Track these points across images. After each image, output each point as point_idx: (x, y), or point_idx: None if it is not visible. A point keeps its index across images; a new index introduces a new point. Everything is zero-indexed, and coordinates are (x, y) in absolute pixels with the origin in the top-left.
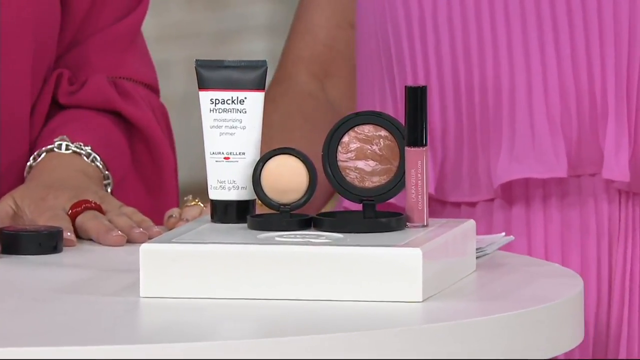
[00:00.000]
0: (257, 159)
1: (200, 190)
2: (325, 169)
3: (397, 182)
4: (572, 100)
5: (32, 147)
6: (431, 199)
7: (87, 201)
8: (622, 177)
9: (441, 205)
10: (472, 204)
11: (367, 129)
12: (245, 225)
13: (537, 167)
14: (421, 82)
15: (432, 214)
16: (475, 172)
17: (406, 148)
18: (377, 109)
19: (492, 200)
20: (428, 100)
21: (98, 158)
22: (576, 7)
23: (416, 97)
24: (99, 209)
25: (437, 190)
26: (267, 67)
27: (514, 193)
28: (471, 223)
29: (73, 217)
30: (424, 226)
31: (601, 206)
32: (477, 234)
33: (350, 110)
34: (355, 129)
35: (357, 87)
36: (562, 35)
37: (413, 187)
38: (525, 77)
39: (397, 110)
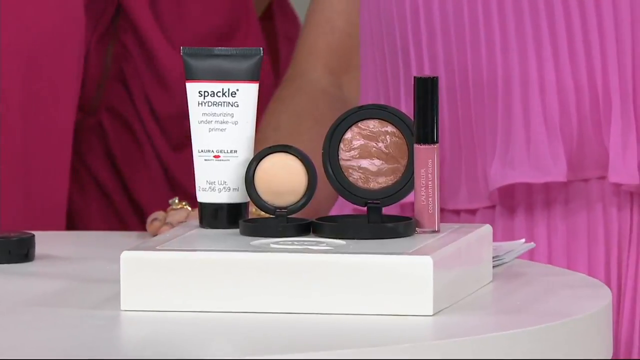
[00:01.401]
0: (251, 158)
1: (188, 192)
2: (326, 169)
3: (405, 183)
4: (571, 98)
5: None
6: None
7: None
8: (631, 179)
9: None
10: (472, 212)
11: (372, 125)
12: (237, 230)
13: (532, 172)
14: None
15: None
16: (474, 176)
17: (415, 145)
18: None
19: (493, 207)
20: None
21: None
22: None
23: (426, 89)
24: None
25: None
26: (262, 56)
27: (516, 199)
28: (487, 228)
29: None
30: (434, 232)
31: (610, 212)
32: None
33: None
34: (359, 124)
35: (361, 79)
36: (558, 29)
37: (423, 189)
38: (518, 73)
39: (399, 106)
